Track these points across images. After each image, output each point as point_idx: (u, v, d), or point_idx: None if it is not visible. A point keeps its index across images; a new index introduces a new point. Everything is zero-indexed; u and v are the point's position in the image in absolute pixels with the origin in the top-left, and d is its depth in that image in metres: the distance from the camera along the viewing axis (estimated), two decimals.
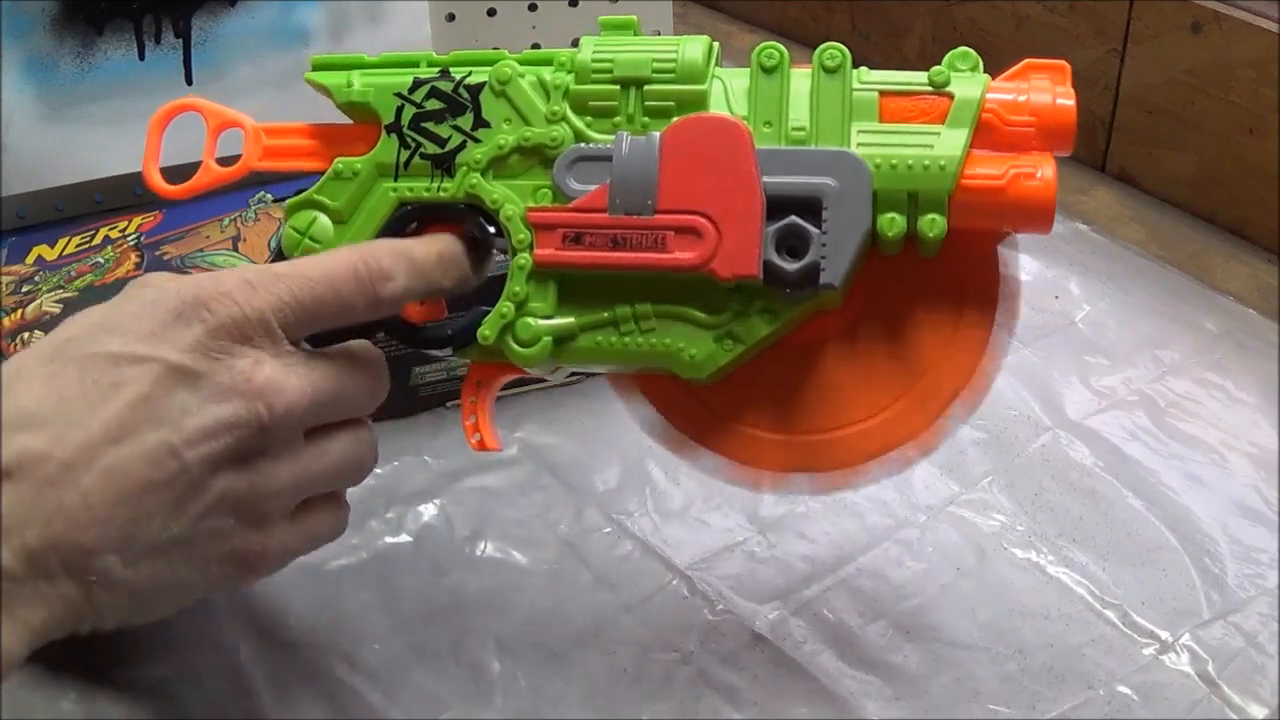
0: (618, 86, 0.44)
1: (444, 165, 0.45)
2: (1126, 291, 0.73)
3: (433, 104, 0.46)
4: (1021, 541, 0.57)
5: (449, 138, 0.45)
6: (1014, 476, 0.61)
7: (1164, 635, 0.53)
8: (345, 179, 0.46)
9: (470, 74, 0.46)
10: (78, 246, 0.66)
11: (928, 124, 0.43)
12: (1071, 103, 0.43)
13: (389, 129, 0.46)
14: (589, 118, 0.45)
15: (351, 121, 0.47)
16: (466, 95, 0.45)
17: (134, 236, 0.67)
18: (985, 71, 0.45)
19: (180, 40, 0.73)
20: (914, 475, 0.61)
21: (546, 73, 0.45)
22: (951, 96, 0.43)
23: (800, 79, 0.44)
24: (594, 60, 0.45)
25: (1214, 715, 0.50)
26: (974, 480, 0.61)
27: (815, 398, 0.46)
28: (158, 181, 0.48)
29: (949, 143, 0.43)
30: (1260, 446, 0.62)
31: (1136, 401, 0.65)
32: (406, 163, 0.46)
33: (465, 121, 0.45)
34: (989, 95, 0.43)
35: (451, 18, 0.82)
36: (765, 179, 0.43)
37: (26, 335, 0.58)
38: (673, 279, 0.44)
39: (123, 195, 0.77)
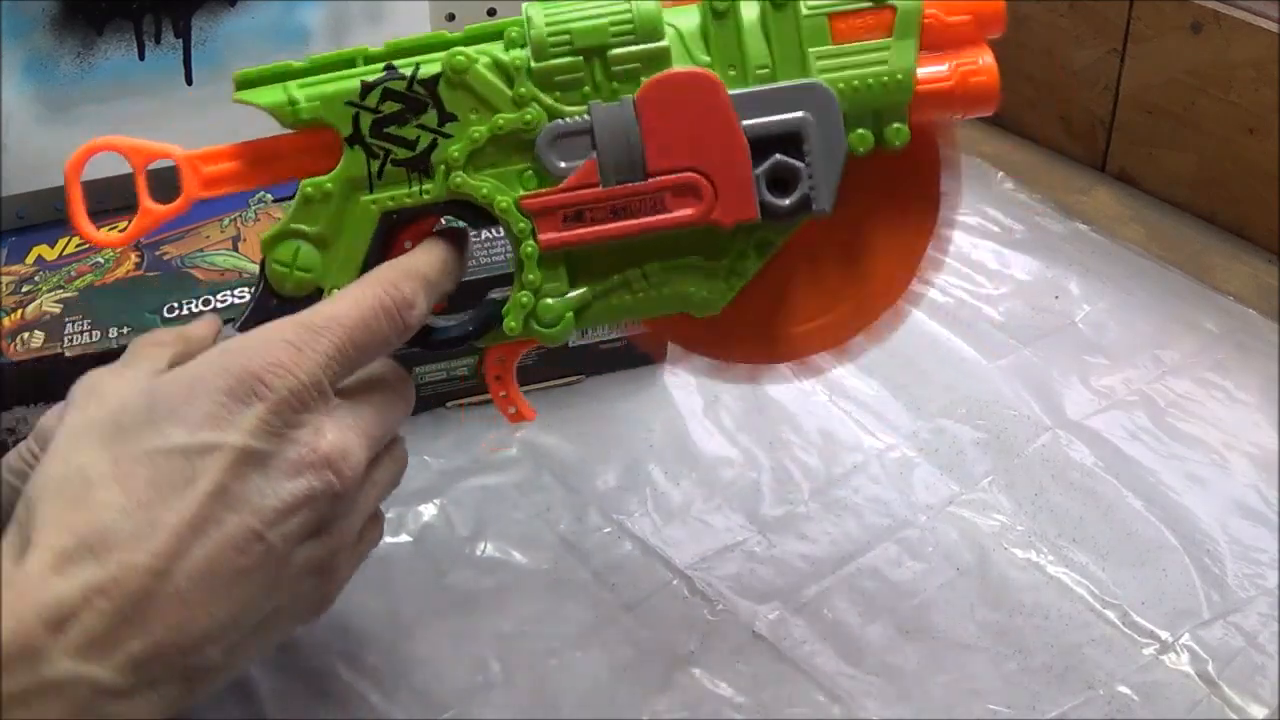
0: (580, 58, 0.44)
1: (420, 167, 0.44)
2: (1126, 291, 0.73)
3: (390, 106, 0.44)
4: (1021, 541, 0.57)
5: (417, 138, 0.44)
6: (1014, 476, 0.61)
7: (1164, 635, 0.53)
8: (317, 202, 0.44)
9: (418, 67, 0.44)
10: (78, 246, 0.66)
11: (877, 39, 0.44)
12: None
13: (350, 141, 0.44)
14: (557, 93, 0.44)
15: (290, 130, 0.45)
16: (424, 91, 0.44)
17: None
18: None
19: (180, 40, 0.73)
20: (914, 475, 0.61)
21: (500, 51, 0.44)
22: (894, 9, 0.44)
23: (749, 9, 0.44)
24: (549, 33, 0.44)
25: (1214, 715, 0.50)
26: (974, 480, 0.61)
27: (784, 298, 0.49)
28: (89, 230, 0.46)
29: (901, 55, 0.44)
30: (1260, 446, 0.62)
31: (1136, 401, 0.65)
32: (379, 172, 0.44)
33: (430, 119, 0.44)
34: (931, 5, 0.45)
35: (451, 17, 0.82)
36: (744, 123, 0.44)
37: (26, 335, 0.58)
38: (674, 232, 0.45)
39: (123, 195, 0.77)
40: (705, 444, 0.63)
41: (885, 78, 0.44)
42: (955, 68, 0.45)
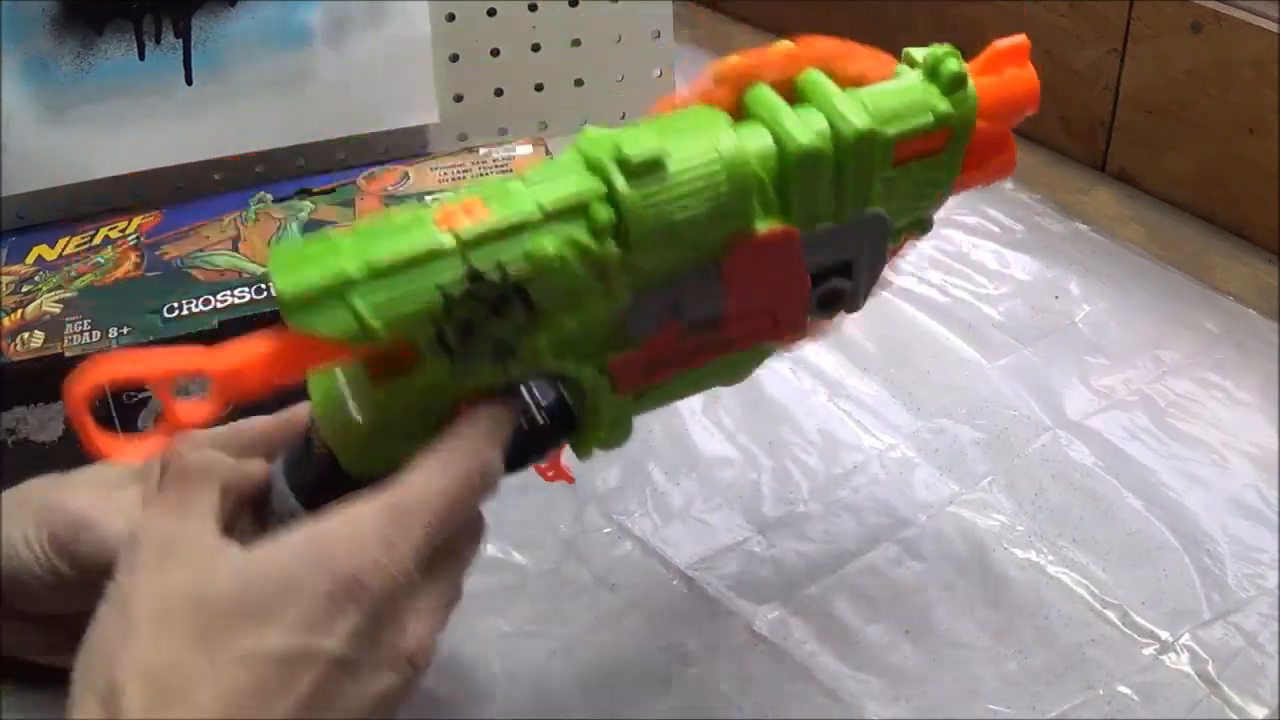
0: (668, 235, 0.40)
1: (504, 355, 0.40)
2: (1126, 291, 0.73)
3: (475, 309, 0.38)
4: (1021, 541, 0.57)
5: (504, 333, 0.39)
6: (1014, 476, 0.61)
7: (1164, 635, 0.53)
8: (397, 392, 0.39)
9: (505, 270, 0.38)
10: (78, 246, 0.66)
11: (933, 157, 0.45)
12: (1034, 82, 0.47)
13: (431, 348, 0.39)
14: (645, 271, 0.41)
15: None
16: (511, 292, 0.39)
17: (134, 236, 0.67)
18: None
19: (180, 40, 0.73)
20: (914, 475, 0.61)
21: (588, 238, 0.39)
22: (951, 129, 0.44)
23: (828, 164, 0.43)
24: (653, 230, 0.40)
25: (1214, 715, 0.50)
26: (974, 480, 0.61)
27: None
28: (113, 446, 0.39)
29: (950, 167, 0.45)
30: (1260, 446, 0.62)
31: (1136, 401, 0.65)
32: (463, 366, 0.39)
33: (517, 316, 0.39)
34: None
35: (451, 18, 0.82)
36: (810, 260, 0.44)
37: (26, 335, 0.58)
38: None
39: (123, 195, 0.77)
40: (705, 444, 0.63)
41: (934, 189, 0.46)
42: (984, 153, 0.47)
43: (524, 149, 0.74)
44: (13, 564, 0.44)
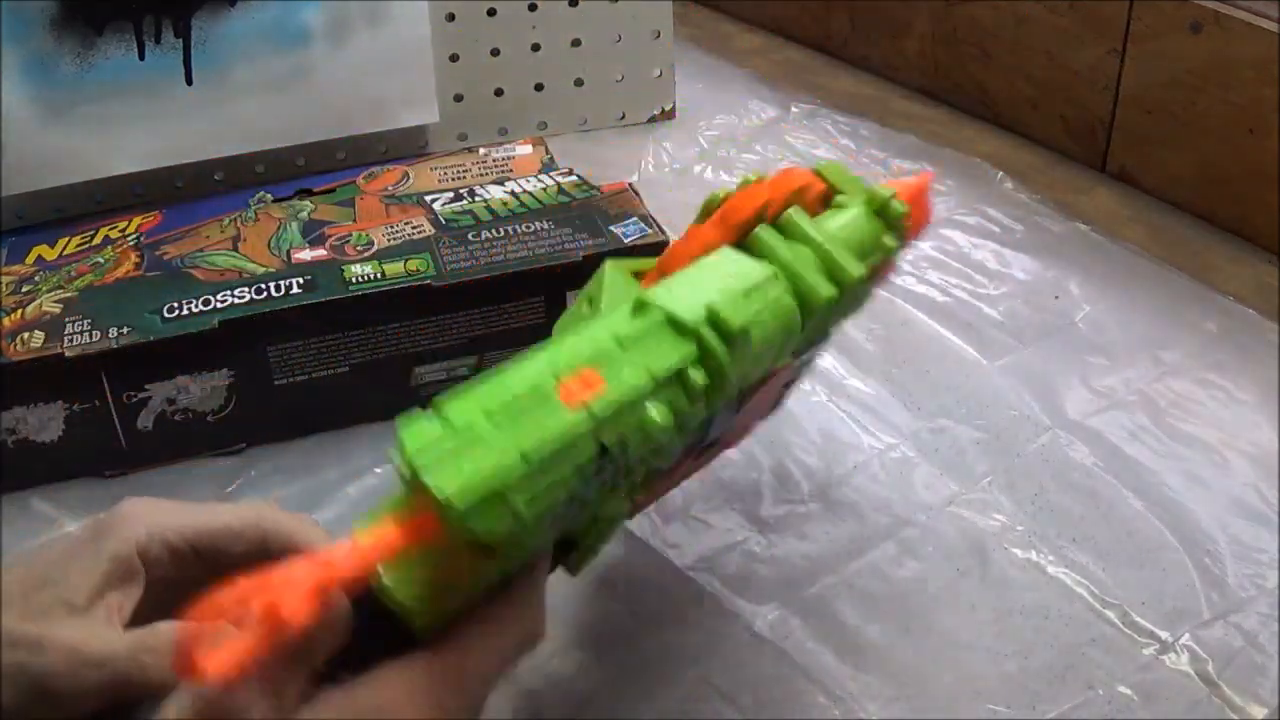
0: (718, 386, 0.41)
1: (583, 508, 0.40)
2: (1126, 291, 0.73)
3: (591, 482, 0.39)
4: (1021, 541, 0.57)
5: (591, 492, 0.39)
6: (1014, 476, 0.61)
7: (1164, 635, 0.53)
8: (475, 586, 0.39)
9: (626, 444, 0.38)
10: (78, 246, 0.66)
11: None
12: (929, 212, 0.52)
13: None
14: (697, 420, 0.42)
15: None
16: (633, 463, 0.40)
17: (134, 236, 0.67)
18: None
19: (180, 40, 0.73)
20: (914, 475, 0.61)
21: (684, 402, 0.40)
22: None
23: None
24: (735, 386, 0.42)
25: (1214, 715, 0.50)
26: (974, 480, 0.61)
27: None
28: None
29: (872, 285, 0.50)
30: (1260, 446, 0.62)
31: (1136, 401, 0.65)
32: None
33: (610, 476, 0.40)
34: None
35: (451, 18, 0.82)
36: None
37: (26, 335, 0.58)
38: None
39: (123, 195, 0.77)
40: None
41: (861, 303, 0.49)
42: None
43: (524, 149, 0.74)
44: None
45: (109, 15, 0.71)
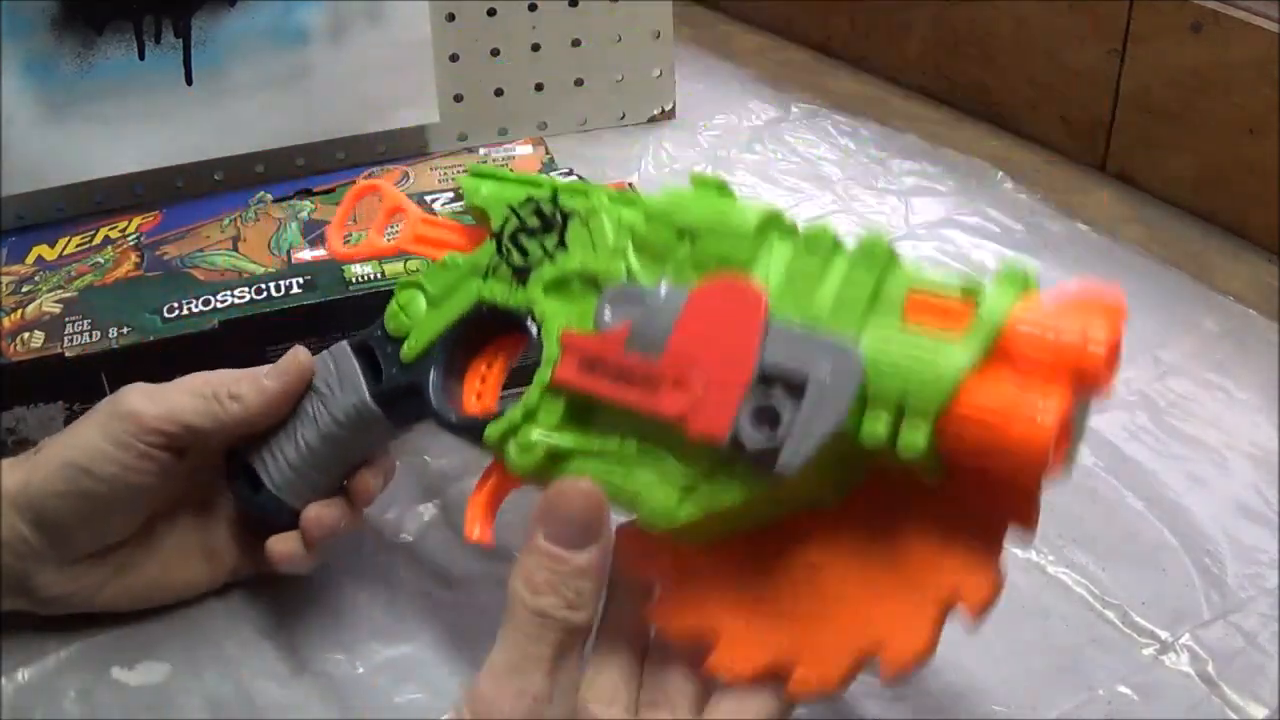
0: (675, 234, 0.44)
1: (522, 277, 0.48)
2: (1126, 291, 0.72)
3: (532, 220, 0.48)
4: (1021, 541, 0.57)
5: (533, 253, 0.48)
6: None
7: (1164, 635, 0.53)
8: (447, 269, 0.50)
9: (564, 198, 0.48)
10: (78, 246, 0.66)
11: (943, 332, 0.39)
12: (1101, 349, 0.40)
13: (493, 235, 0.49)
14: (645, 259, 0.45)
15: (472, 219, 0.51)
16: (559, 219, 0.48)
17: (134, 236, 0.67)
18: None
19: (180, 40, 0.73)
20: None
21: (628, 212, 0.46)
22: (975, 307, 0.39)
23: (842, 260, 0.42)
24: (664, 208, 0.45)
25: (1214, 715, 0.50)
26: None
27: (792, 596, 0.42)
28: (336, 244, 0.56)
29: (957, 355, 0.38)
30: (1260, 446, 0.62)
31: (1136, 401, 0.65)
32: (495, 268, 0.48)
33: (550, 241, 0.48)
34: (1022, 323, 0.39)
35: (452, 18, 0.82)
36: (767, 351, 0.40)
37: (26, 335, 0.58)
38: (663, 424, 0.42)
39: (123, 195, 0.77)
40: None
41: (927, 370, 0.38)
42: (1007, 405, 0.38)
43: (524, 149, 0.74)
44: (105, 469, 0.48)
45: (109, 15, 0.71)
